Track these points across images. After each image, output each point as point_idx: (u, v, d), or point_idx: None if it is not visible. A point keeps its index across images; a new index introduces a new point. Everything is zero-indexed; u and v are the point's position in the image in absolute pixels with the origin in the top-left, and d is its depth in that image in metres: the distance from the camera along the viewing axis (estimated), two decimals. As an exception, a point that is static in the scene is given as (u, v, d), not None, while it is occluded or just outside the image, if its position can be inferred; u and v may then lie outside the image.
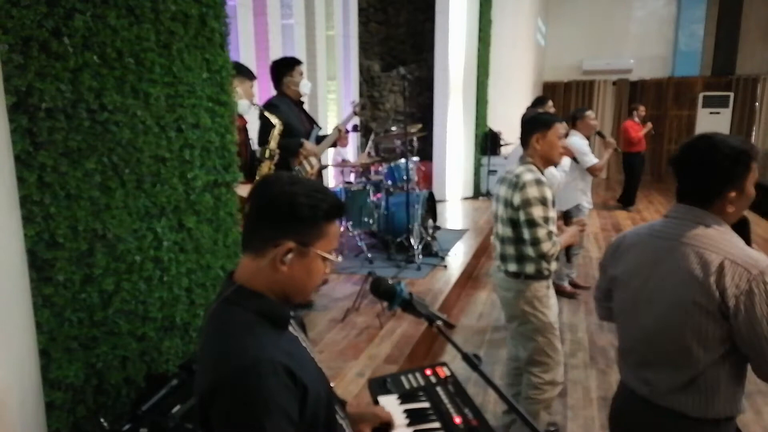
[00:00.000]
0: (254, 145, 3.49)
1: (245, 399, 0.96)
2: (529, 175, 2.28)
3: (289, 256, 1.06)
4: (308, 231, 1.07)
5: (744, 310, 1.36)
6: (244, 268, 1.11)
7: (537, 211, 2.21)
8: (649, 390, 1.56)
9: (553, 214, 2.27)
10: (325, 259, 1.11)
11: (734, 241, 1.43)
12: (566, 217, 2.49)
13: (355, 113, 4.17)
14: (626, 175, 8.88)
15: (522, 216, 2.25)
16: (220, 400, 0.97)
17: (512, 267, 2.38)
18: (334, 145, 4.17)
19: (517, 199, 2.27)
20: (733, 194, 1.43)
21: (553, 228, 2.25)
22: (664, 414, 1.52)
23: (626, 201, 8.89)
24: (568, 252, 2.47)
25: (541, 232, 2.22)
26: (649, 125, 8.58)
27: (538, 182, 2.25)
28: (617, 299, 1.66)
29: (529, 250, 2.28)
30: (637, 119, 8.61)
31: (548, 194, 2.25)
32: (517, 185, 2.29)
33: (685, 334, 1.45)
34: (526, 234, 2.26)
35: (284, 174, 1.12)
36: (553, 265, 2.37)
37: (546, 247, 2.22)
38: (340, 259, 1.20)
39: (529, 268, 2.34)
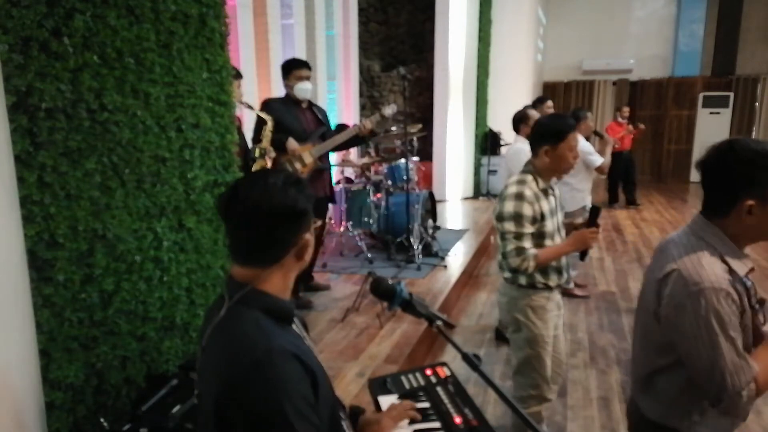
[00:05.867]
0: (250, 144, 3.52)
1: (262, 390, 0.97)
2: (514, 188, 2.23)
3: (307, 246, 1.13)
4: (309, 217, 1.12)
5: (674, 323, 1.34)
6: (248, 275, 1.09)
7: (508, 226, 2.19)
8: (632, 387, 1.60)
9: (532, 229, 2.20)
10: None
11: (705, 253, 1.34)
12: (592, 216, 2.31)
13: (382, 115, 3.95)
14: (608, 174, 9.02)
15: (498, 228, 2.26)
16: (237, 397, 0.98)
17: (507, 275, 2.36)
18: (353, 143, 4.03)
19: (496, 211, 2.28)
20: (751, 203, 1.29)
21: (527, 244, 2.18)
22: (638, 412, 1.55)
23: (611, 199, 9.10)
24: (583, 253, 2.36)
25: (509, 247, 2.19)
26: (630, 127, 8.67)
27: (518, 197, 2.19)
28: None
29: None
30: (620, 119, 8.75)
31: (526, 210, 2.18)
32: (501, 196, 2.29)
33: (645, 335, 1.49)
34: (501, 246, 2.26)
35: (251, 181, 1.09)
36: (553, 280, 2.31)
37: (514, 262, 2.18)
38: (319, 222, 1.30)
39: (522, 279, 2.30)
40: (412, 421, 1.39)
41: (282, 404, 0.96)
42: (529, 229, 2.19)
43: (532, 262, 2.17)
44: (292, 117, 3.79)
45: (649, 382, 1.49)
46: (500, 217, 2.23)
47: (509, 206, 2.20)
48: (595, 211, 2.25)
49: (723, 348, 1.28)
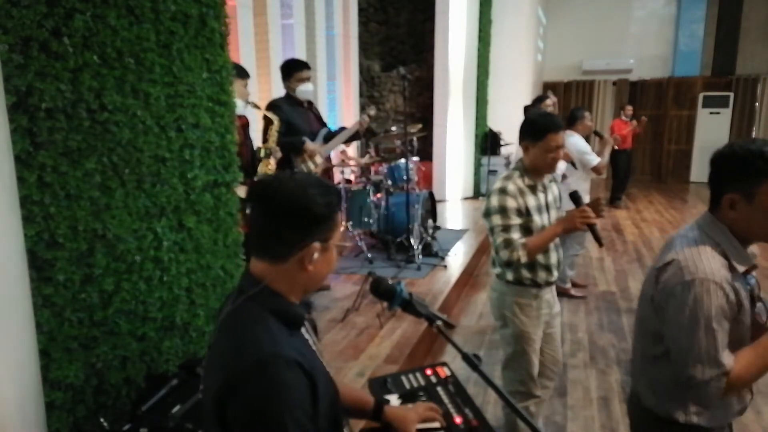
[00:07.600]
0: (257, 144, 3.51)
1: (264, 393, 0.97)
2: (498, 183, 2.28)
3: (316, 255, 1.09)
4: (327, 228, 1.11)
5: (664, 309, 1.40)
6: (262, 271, 1.11)
7: (495, 220, 2.22)
8: (633, 376, 1.64)
9: (519, 221, 2.20)
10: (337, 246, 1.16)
11: (707, 248, 1.37)
12: (574, 201, 2.30)
13: (369, 117, 4.21)
14: (612, 172, 9.13)
15: (487, 224, 2.29)
16: (238, 396, 0.98)
17: (497, 270, 2.39)
18: (353, 138, 4.21)
19: (482, 209, 2.32)
20: (733, 196, 1.34)
21: (515, 235, 2.18)
22: (637, 404, 1.58)
23: (613, 197, 9.15)
24: (594, 231, 2.23)
25: (498, 240, 2.21)
26: (634, 123, 8.73)
27: (502, 191, 2.22)
28: None
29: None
30: (624, 118, 8.86)
31: (510, 203, 2.19)
32: (487, 194, 2.32)
33: (642, 323, 1.53)
34: (491, 241, 2.28)
35: (283, 175, 1.11)
36: (540, 277, 2.30)
37: (504, 255, 2.19)
38: (347, 243, 1.26)
39: (509, 275, 2.33)
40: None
41: (279, 407, 0.96)
42: (515, 220, 2.21)
43: (521, 251, 2.17)
44: (300, 118, 3.83)
45: (645, 370, 1.53)
46: (487, 213, 2.27)
47: (494, 201, 2.25)
48: (574, 195, 2.23)
49: (700, 337, 1.32)
